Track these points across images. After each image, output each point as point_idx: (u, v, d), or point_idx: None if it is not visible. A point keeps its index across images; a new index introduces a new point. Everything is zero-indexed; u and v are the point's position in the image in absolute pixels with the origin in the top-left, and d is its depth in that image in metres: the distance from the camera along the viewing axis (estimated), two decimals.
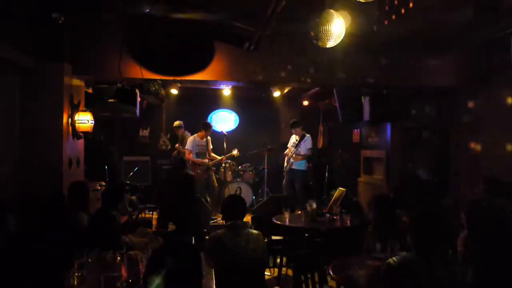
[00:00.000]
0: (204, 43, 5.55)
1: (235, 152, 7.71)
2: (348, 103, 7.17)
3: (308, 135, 7.56)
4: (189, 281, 2.26)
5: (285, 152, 7.79)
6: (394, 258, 2.38)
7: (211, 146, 7.69)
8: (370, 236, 3.48)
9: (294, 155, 7.48)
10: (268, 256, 3.31)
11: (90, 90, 6.07)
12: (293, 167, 7.53)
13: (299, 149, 7.46)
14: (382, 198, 3.75)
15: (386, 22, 4.45)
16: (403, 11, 4.17)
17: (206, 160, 7.48)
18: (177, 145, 8.48)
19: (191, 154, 7.46)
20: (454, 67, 5.89)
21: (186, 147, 7.57)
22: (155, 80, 5.78)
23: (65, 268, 2.51)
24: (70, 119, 5.15)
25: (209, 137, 7.65)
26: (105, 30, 5.29)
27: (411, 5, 4.04)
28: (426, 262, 2.27)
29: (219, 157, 7.67)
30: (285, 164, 7.73)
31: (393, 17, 4.32)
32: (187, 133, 8.29)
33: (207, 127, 7.59)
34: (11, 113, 4.78)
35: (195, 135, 7.60)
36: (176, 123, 8.57)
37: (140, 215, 5.84)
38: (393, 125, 6.70)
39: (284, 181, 7.73)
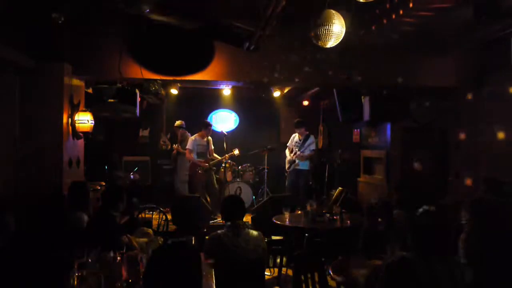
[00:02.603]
0: (204, 43, 5.55)
1: (236, 151, 7.70)
2: (348, 103, 7.17)
3: (312, 135, 7.59)
4: (189, 281, 2.26)
5: (287, 152, 7.80)
6: (393, 258, 2.38)
7: (212, 147, 7.68)
8: (365, 237, 3.48)
9: (299, 155, 7.47)
10: (268, 256, 3.31)
11: (90, 90, 6.07)
12: (298, 167, 7.52)
13: (303, 149, 7.46)
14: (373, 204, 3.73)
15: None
16: (401, 12, 4.17)
17: (206, 163, 7.46)
18: (175, 145, 8.44)
19: (192, 154, 7.45)
20: (454, 67, 5.89)
21: (187, 147, 7.57)
22: (155, 80, 5.77)
23: (65, 268, 2.51)
24: (70, 119, 5.15)
25: (210, 138, 7.64)
26: (105, 30, 5.29)
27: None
28: (426, 262, 2.27)
29: (220, 157, 7.67)
30: (287, 164, 7.73)
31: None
32: (187, 133, 8.28)
33: (206, 126, 7.59)
34: (11, 113, 4.78)
35: (196, 135, 7.59)
36: (178, 122, 8.54)
37: (140, 215, 5.84)
38: (393, 125, 6.70)
39: (288, 181, 7.73)
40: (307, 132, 7.58)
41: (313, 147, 7.52)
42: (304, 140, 7.51)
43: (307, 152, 7.47)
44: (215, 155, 7.69)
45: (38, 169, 4.84)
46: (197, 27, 5.10)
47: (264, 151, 8.26)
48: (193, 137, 7.58)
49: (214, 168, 7.75)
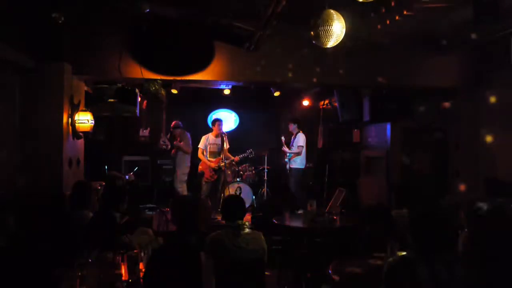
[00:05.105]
0: (204, 43, 5.55)
1: (248, 152, 7.68)
2: (348, 103, 7.17)
3: (301, 133, 7.63)
4: (189, 281, 2.26)
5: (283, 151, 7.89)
6: (394, 258, 2.38)
7: (227, 146, 7.59)
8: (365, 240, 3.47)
9: (287, 153, 7.60)
10: (268, 256, 3.31)
11: (90, 90, 6.07)
12: (289, 165, 7.63)
13: (291, 146, 7.57)
14: (374, 209, 3.71)
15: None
16: (401, 12, 4.17)
17: (216, 163, 7.42)
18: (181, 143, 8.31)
19: (204, 153, 7.44)
20: (454, 67, 5.89)
21: (199, 146, 7.55)
22: (155, 80, 5.77)
23: (64, 268, 2.51)
24: (70, 119, 5.15)
25: (225, 136, 7.59)
26: (105, 30, 5.29)
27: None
28: (427, 261, 2.27)
29: (233, 157, 7.63)
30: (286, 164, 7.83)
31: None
32: (186, 133, 8.26)
33: (214, 122, 7.58)
34: (11, 113, 4.78)
35: (210, 133, 7.57)
36: (173, 123, 8.46)
37: (140, 215, 5.84)
38: (393, 125, 6.70)
39: (288, 181, 7.81)
40: (298, 130, 7.66)
41: (300, 143, 7.57)
42: (294, 137, 7.62)
43: (294, 149, 7.55)
44: (228, 154, 7.63)
45: (38, 169, 4.84)
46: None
47: (264, 151, 8.27)
48: (205, 136, 7.57)
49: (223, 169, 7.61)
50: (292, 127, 7.73)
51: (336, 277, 2.97)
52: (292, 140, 7.75)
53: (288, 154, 7.68)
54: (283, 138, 7.87)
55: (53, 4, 4.46)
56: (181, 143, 7.96)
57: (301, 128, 7.78)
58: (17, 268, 2.40)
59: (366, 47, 5.53)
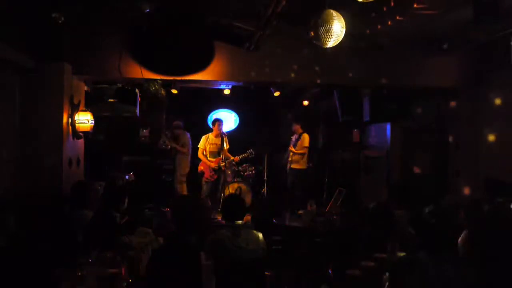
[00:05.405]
0: (204, 43, 5.55)
1: (248, 152, 7.67)
2: (348, 103, 7.17)
3: (305, 133, 7.62)
4: (189, 281, 2.26)
5: (286, 153, 7.85)
6: (396, 258, 2.38)
7: (227, 146, 7.59)
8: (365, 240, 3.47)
9: (291, 154, 7.56)
10: (268, 256, 3.32)
11: (89, 90, 6.07)
12: (292, 166, 7.61)
13: (295, 147, 7.56)
14: (374, 209, 3.70)
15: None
16: (401, 12, 4.17)
17: (216, 163, 7.40)
18: (180, 147, 8.33)
19: (204, 153, 7.44)
20: (454, 67, 5.89)
21: (199, 145, 7.56)
22: (155, 80, 5.78)
23: (64, 268, 2.51)
24: (70, 119, 5.15)
25: (225, 136, 7.59)
26: (105, 30, 5.29)
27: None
28: (427, 261, 2.27)
29: (232, 157, 7.62)
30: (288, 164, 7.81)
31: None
32: (186, 133, 8.26)
33: (214, 122, 7.59)
34: (11, 113, 4.78)
35: (210, 133, 7.58)
36: (175, 123, 8.48)
37: (140, 215, 5.82)
38: (393, 125, 6.71)
39: (288, 181, 7.79)
40: (302, 130, 7.65)
41: (305, 144, 7.57)
42: (298, 137, 7.60)
43: (298, 150, 7.54)
44: (228, 154, 7.62)
45: (38, 169, 4.83)
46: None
47: (264, 151, 8.25)
48: (205, 136, 7.58)
49: (223, 169, 7.59)
50: (296, 127, 7.73)
51: (336, 277, 2.97)
52: (294, 140, 7.73)
53: (291, 154, 7.66)
54: (292, 137, 7.85)
55: (53, 4, 4.45)
56: (179, 144, 7.96)
57: (303, 128, 7.79)
58: (17, 268, 2.40)
59: (366, 47, 5.53)
